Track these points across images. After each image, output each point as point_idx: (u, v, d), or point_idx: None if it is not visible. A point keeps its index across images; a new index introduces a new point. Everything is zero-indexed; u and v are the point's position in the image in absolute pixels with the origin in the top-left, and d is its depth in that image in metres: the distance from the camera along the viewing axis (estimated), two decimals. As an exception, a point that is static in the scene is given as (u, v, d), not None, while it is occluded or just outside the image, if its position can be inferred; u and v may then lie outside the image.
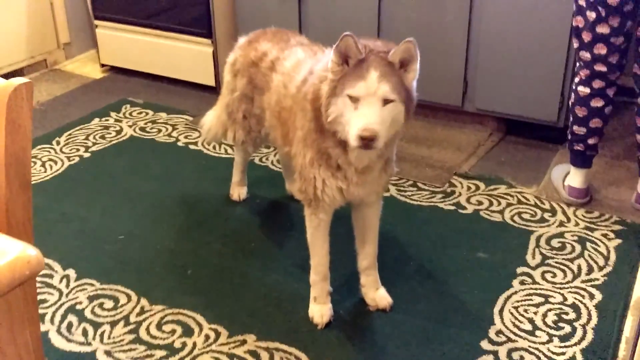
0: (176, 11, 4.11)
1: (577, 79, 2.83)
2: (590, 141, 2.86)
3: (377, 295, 2.33)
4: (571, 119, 2.90)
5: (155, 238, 2.72)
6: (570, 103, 2.90)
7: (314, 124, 1.98)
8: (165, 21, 4.12)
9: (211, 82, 4.09)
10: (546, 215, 2.86)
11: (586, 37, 2.70)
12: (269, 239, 2.74)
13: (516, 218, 2.84)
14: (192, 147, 3.48)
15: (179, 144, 3.51)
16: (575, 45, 2.79)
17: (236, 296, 2.39)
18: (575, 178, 2.94)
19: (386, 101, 1.82)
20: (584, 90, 2.79)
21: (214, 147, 3.45)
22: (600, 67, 2.72)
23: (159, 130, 3.64)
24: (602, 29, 2.64)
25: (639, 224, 2.79)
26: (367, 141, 1.78)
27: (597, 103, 2.78)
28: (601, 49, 2.68)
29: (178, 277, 2.49)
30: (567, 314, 2.31)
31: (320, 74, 1.97)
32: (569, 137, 2.92)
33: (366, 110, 1.80)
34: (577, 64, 2.84)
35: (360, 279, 2.35)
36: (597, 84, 2.76)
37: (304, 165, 2.07)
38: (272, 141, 2.59)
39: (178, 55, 4.13)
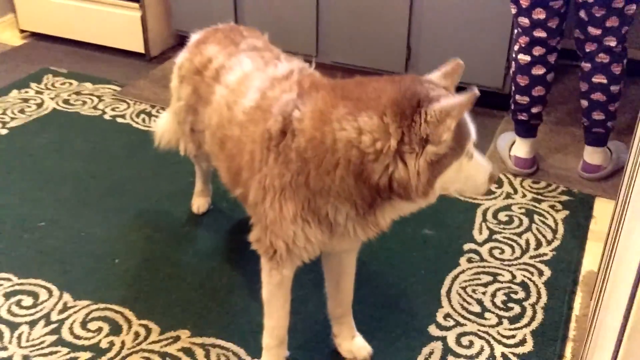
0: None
1: (516, 47, 2.72)
2: (534, 110, 2.77)
3: (353, 346, 2.00)
4: (513, 88, 2.79)
5: (80, 224, 2.52)
6: (511, 72, 2.80)
7: (304, 178, 1.54)
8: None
9: (140, 48, 3.84)
10: (492, 187, 2.76)
11: (524, 2, 2.58)
12: (204, 222, 2.57)
13: (462, 191, 2.74)
14: (119, 120, 3.26)
15: (106, 117, 3.28)
16: (513, 11, 2.67)
17: (168, 287, 2.22)
18: (521, 148, 2.85)
19: None
20: (524, 58, 2.68)
21: (144, 120, 3.24)
22: (540, 33, 2.61)
23: (84, 103, 3.39)
24: None
25: (586, 193, 2.73)
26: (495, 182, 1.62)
27: (538, 71, 2.68)
28: (540, 14, 2.57)
29: (105, 268, 2.31)
30: (516, 293, 2.23)
31: (335, 130, 1.47)
32: (512, 106, 2.82)
33: (480, 157, 1.57)
34: (516, 31, 2.72)
35: (332, 328, 2.02)
36: (538, 50, 2.65)
37: (276, 220, 1.63)
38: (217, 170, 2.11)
39: (104, 19, 3.86)
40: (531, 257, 2.39)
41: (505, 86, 3.23)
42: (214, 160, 2.07)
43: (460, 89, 3.19)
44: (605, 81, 2.62)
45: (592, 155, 2.79)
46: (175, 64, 2.22)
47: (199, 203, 2.61)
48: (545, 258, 2.38)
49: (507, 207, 2.65)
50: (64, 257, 2.34)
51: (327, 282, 1.99)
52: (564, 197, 2.70)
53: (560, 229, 2.53)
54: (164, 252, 2.39)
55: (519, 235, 2.50)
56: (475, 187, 1.58)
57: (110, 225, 2.52)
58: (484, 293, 2.22)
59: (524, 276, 2.30)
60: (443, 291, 2.23)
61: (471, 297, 2.21)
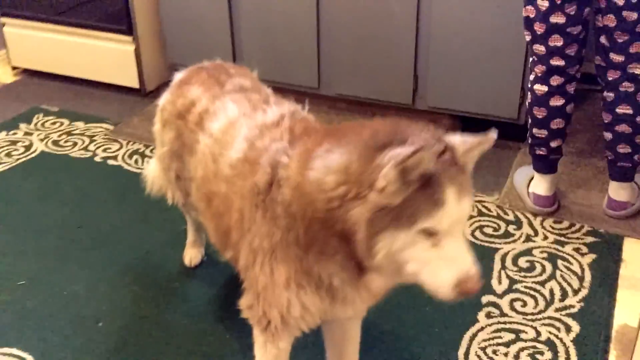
0: (93, 5, 3.66)
1: (532, 77, 2.51)
2: (553, 144, 2.55)
3: None
4: (530, 121, 2.58)
5: (63, 281, 2.31)
6: (527, 104, 2.58)
7: (294, 235, 1.37)
8: (80, 17, 3.67)
9: (134, 83, 3.67)
10: (511, 229, 2.55)
11: (539, 28, 2.37)
12: (197, 275, 2.36)
13: (478, 233, 2.52)
14: (111, 162, 3.07)
15: (97, 159, 3.10)
16: (528, 38, 2.46)
17: (156, 354, 2.01)
18: (540, 185, 2.63)
19: None
20: (541, 88, 2.47)
21: (136, 162, 3.05)
22: (558, 61, 2.40)
23: (74, 144, 3.21)
24: (557, 18, 2.32)
25: (613, 234, 2.50)
26: (469, 294, 1.24)
27: (556, 102, 2.47)
28: (557, 41, 2.36)
29: (87, 332, 2.10)
30: (542, 353, 2.00)
31: (329, 195, 1.26)
32: (529, 140, 2.61)
33: (457, 248, 1.24)
34: (531, 60, 2.52)
35: None
36: (555, 80, 2.44)
37: (269, 285, 1.46)
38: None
39: (97, 54, 3.69)
40: (557, 310, 2.16)
41: (520, 116, 3.01)
42: (201, 217, 1.88)
43: (473, 120, 2.93)
44: (630, 112, 2.40)
45: (617, 191, 2.57)
46: (158, 106, 2.04)
47: (192, 255, 2.40)
48: (572, 311, 2.15)
49: (528, 252, 2.42)
50: (44, 321, 2.14)
51: (328, 350, 1.80)
52: (590, 239, 2.48)
53: (587, 276, 2.30)
54: (153, 313, 2.18)
55: (542, 284, 2.27)
56: (433, 283, 1.24)
57: (94, 282, 2.32)
58: (506, 354, 1.99)
59: (550, 332, 2.07)
60: (460, 353, 2.00)
61: (492, 359, 1.98)
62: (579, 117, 3.25)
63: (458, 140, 1.29)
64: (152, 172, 2.26)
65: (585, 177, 2.84)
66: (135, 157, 3.09)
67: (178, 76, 2.01)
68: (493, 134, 1.28)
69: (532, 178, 2.69)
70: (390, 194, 1.19)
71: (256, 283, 1.50)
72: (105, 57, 3.67)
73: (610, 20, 2.29)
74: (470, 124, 3.19)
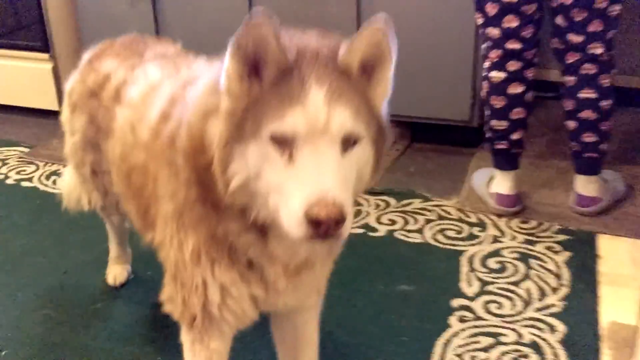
0: (2, 20, 3.32)
1: (487, 64, 2.32)
2: (514, 136, 2.35)
3: None
4: (487, 112, 2.37)
5: (-39, 308, 1.95)
6: (483, 95, 2.38)
7: (197, 190, 1.15)
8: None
9: (53, 105, 3.32)
10: (475, 231, 2.31)
11: (492, 9, 2.20)
12: (123, 295, 2.03)
13: (439, 237, 2.28)
14: (25, 184, 2.72)
15: (8, 181, 2.74)
16: (480, 21, 2.28)
17: (71, 384, 1.67)
18: (502, 183, 2.42)
19: (347, 142, 1.03)
20: (497, 75, 2.28)
21: (54, 182, 2.71)
22: (514, 44, 2.22)
23: (-18, 167, 2.86)
24: None
25: (586, 230, 2.29)
26: (326, 226, 0.97)
27: (515, 89, 2.28)
28: (511, 21, 2.19)
29: (-13, 364, 1.74)
30: (526, 356, 1.74)
31: (200, 103, 1.12)
32: (488, 135, 2.40)
33: (314, 164, 0.99)
34: (484, 46, 2.33)
35: None
36: (513, 65, 2.25)
37: (179, 262, 1.25)
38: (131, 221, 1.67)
39: (9, 75, 3.35)
40: (537, 310, 1.91)
41: (473, 118, 2.82)
42: (124, 204, 1.58)
43: (423, 126, 2.63)
44: (594, 95, 2.22)
45: (586, 185, 2.37)
46: (65, 92, 1.75)
47: (116, 272, 2.07)
48: (554, 310, 1.91)
49: (496, 253, 2.18)
50: None
51: (280, 356, 1.51)
52: (562, 237, 2.26)
53: (565, 274, 2.07)
54: (68, 338, 1.83)
55: (517, 284, 2.03)
56: (283, 214, 1.01)
57: (2, 308, 1.96)
58: (486, 360, 1.73)
59: (533, 334, 1.81)
60: (434, 361, 1.73)
61: (471, 366, 1.71)
62: (532, 124, 3.07)
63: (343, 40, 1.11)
64: (67, 181, 1.96)
65: (547, 178, 2.65)
66: (53, 177, 2.75)
67: (86, 55, 1.74)
68: (378, 22, 1.05)
69: (492, 178, 2.48)
70: (237, 95, 1.04)
71: (170, 264, 1.28)
72: (18, 77, 3.34)
73: (566, -3, 2.13)
74: (420, 130, 2.99)
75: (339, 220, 0.96)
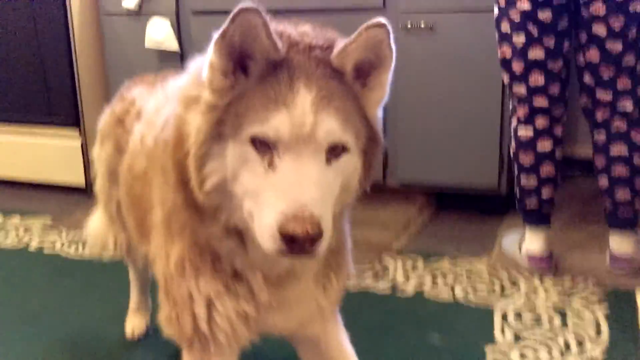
0: (33, 95, 3.34)
1: (514, 122, 2.31)
2: (545, 194, 2.30)
3: None
4: (516, 171, 2.34)
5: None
6: (511, 153, 2.36)
7: (182, 192, 1.08)
8: (18, 110, 3.39)
9: (80, 180, 3.35)
10: (507, 288, 2.22)
11: (517, 66, 2.21)
12: (141, 349, 1.95)
13: (470, 295, 2.18)
14: (47, 251, 2.70)
15: (31, 249, 2.72)
16: (506, 80, 2.30)
17: None
18: (534, 242, 2.34)
19: (334, 151, 0.98)
20: (525, 133, 2.26)
21: (76, 249, 2.68)
22: (541, 102, 2.22)
23: (7, 234, 2.85)
24: (536, 53, 2.16)
25: (623, 290, 2.18)
26: (299, 243, 0.91)
27: (544, 145, 2.25)
28: (538, 79, 2.19)
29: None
30: (569, 403, 1.62)
31: (182, 93, 1.08)
32: (518, 194, 2.36)
33: (295, 173, 0.94)
34: (512, 103, 2.33)
35: None
36: (541, 121, 2.24)
37: (167, 275, 1.18)
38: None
39: (38, 150, 3.40)
40: (576, 358, 1.80)
41: (500, 186, 2.79)
42: (127, 219, 1.53)
43: (450, 197, 2.55)
44: (626, 152, 2.19)
45: (620, 243, 2.29)
46: (97, 129, 1.74)
47: (134, 323, 2.00)
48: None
49: (531, 307, 2.08)
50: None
51: None
52: (598, 292, 2.15)
53: (604, 327, 1.96)
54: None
55: (554, 333, 1.92)
56: (257, 226, 0.96)
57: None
58: (526, 405, 1.61)
59: (574, 382, 1.70)
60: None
61: (509, 411, 1.59)
62: (560, 197, 3.03)
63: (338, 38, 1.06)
64: (94, 224, 1.91)
65: (579, 241, 2.57)
66: (75, 245, 2.73)
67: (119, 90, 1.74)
68: (379, 22, 0.99)
69: (522, 239, 2.41)
70: (219, 89, 0.99)
71: (161, 278, 1.21)
72: (47, 153, 3.38)
73: (593, 55, 2.14)
74: (447, 200, 2.95)
75: (315, 237, 0.91)
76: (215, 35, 0.98)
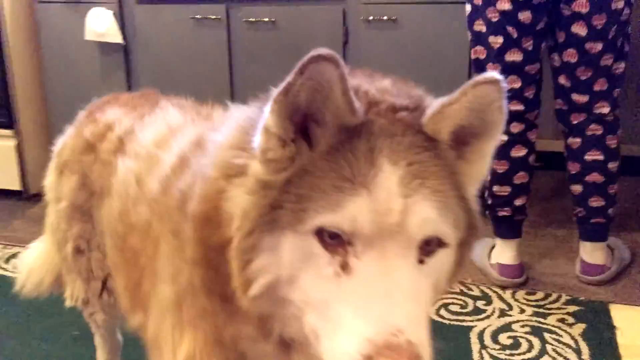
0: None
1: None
2: (518, 202, 2.22)
3: None
4: (489, 178, 2.25)
5: None
6: (483, 159, 2.26)
7: (204, 274, 0.86)
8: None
9: (15, 185, 3.10)
10: (480, 304, 2.13)
11: (493, 68, 2.10)
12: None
13: (443, 312, 2.09)
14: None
15: (-37, 265, 2.50)
16: None
17: None
18: (505, 253, 2.26)
19: (427, 246, 0.76)
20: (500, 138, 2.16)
21: (15, 267, 2.46)
22: (516, 106, 2.12)
23: None
24: (514, 56, 2.06)
25: (596, 301, 2.13)
26: None
27: (518, 152, 2.16)
28: (514, 82, 2.09)
29: None
30: None
31: (222, 157, 0.82)
32: (489, 201, 2.27)
33: (380, 280, 0.73)
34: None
35: None
36: (516, 127, 2.15)
37: None
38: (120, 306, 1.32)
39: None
40: (561, 388, 1.73)
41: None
42: (114, 278, 1.27)
43: None
44: (601, 157, 2.12)
45: (592, 253, 2.23)
46: (53, 155, 1.46)
47: None
48: (580, 387, 1.73)
49: (507, 327, 2.01)
50: None
51: None
52: (573, 308, 2.10)
53: (584, 348, 1.90)
54: None
55: (534, 360, 1.85)
56: (330, 342, 0.73)
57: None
58: None
59: (562, 416, 1.63)
60: None
61: None
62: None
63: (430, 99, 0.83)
64: (29, 261, 1.63)
65: (547, 247, 2.50)
66: (13, 261, 2.51)
67: (82, 112, 1.46)
68: (489, 78, 0.80)
69: (492, 248, 2.33)
70: (275, 158, 0.75)
71: None
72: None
73: (571, 56, 2.05)
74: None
75: None
76: (275, 91, 0.74)
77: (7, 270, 2.45)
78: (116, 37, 2.89)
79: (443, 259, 0.78)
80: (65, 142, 1.42)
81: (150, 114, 1.27)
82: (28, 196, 3.12)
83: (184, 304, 0.91)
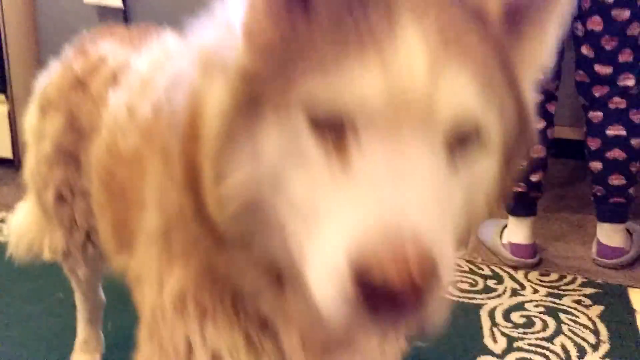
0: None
1: None
2: (533, 177, 2.10)
3: None
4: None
5: None
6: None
7: (193, 196, 0.67)
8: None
9: (7, 153, 2.98)
10: (491, 283, 2.01)
11: None
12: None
13: (450, 289, 1.97)
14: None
15: (-55, 230, 2.38)
16: None
17: None
18: (518, 231, 2.14)
19: (461, 139, 0.57)
20: None
21: (1, 231, 2.35)
22: None
23: None
24: None
25: (614, 284, 2.01)
26: (391, 293, 0.49)
27: (537, 124, 2.04)
28: None
29: None
30: (578, 422, 1.43)
31: (205, 54, 0.64)
32: (504, 177, 2.15)
33: (385, 169, 0.53)
34: None
35: None
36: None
37: (157, 310, 0.81)
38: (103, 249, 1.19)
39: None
40: (579, 369, 1.61)
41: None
42: (98, 220, 1.13)
43: None
44: (624, 133, 2.00)
45: (610, 235, 2.11)
46: (34, 95, 1.31)
47: None
48: (600, 368, 1.61)
49: (519, 306, 1.89)
50: None
51: None
52: (589, 290, 1.97)
53: (602, 329, 1.77)
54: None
55: (550, 340, 1.73)
56: (315, 251, 0.55)
57: None
58: None
59: (580, 396, 1.51)
60: None
61: None
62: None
63: None
64: (19, 220, 1.49)
65: (561, 231, 2.38)
66: (1, 225, 2.39)
67: (74, 44, 1.30)
68: None
69: (504, 228, 2.21)
70: (262, 37, 0.57)
71: (147, 309, 0.83)
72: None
73: (595, 23, 1.93)
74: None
75: (424, 282, 0.49)
76: None
77: (-7, 236, 2.33)
78: (115, 1, 2.78)
79: (482, 163, 0.59)
80: (50, 78, 1.27)
81: (147, 45, 1.13)
82: (19, 164, 2.99)
83: (172, 233, 0.77)
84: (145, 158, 0.88)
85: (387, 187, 0.51)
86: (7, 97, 2.92)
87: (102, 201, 1.09)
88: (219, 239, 0.68)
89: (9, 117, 2.94)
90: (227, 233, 0.66)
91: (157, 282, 0.80)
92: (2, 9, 2.82)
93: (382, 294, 0.49)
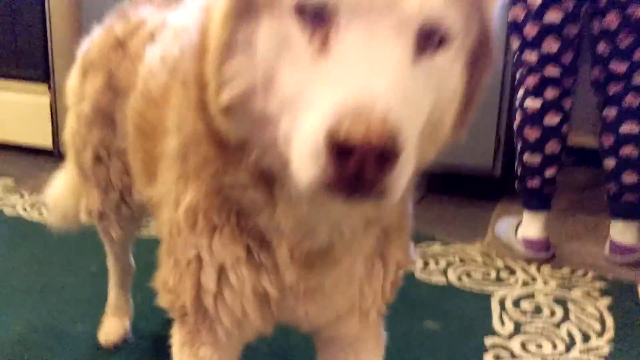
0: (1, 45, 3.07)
1: (521, 92, 2.16)
2: (548, 173, 2.17)
3: None
4: (519, 146, 2.20)
5: None
6: (515, 128, 2.21)
7: (206, 115, 0.77)
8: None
9: (48, 143, 3.10)
10: (503, 275, 2.08)
11: (531, 30, 2.06)
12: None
13: (465, 279, 2.05)
14: (8, 212, 2.49)
15: (-10, 209, 2.52)
16: (515, 46, 2.14)
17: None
18: (532, 226, 2.21)
19: (428, 38, 0.66)
20: (533, 104, 2.12)
21: (39, 212, 2.48)
22: (552, 71, 2.08)
23: (-38, 194, 2.64)
24: (553, 16, 2.02)
25: (626, 281, 2.06)
26: (361, 158, 0.58)
27: (552, 119, 2.11)
28: (552, 45, 2.05)
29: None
30: (577, 398, 1.49)
31: None
32: (519, 172, 2.22)
33: (360, 55, 0.62)
34: (520, 72, 2.17)
35: None
36: (550, 93, 2.10)
37: (174, 226, 0.91)
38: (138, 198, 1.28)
39: (1, 106, 3.14)
40: (582, 352, 1.67)
41: (495, 168, 2.64)
42: (131, 162, 1.21)
43: (440, 178, 2.21)
44: (637, 130, 2.06)
45: (623, 232, 2.17)
46: (78, 55, 1.39)
47: (110, 328, 1.65)
48: (602, 352, 1.67)
49: (529, 296, 1.95)
50: None
51: None
52: (599, 284, 2.03)
53: (608, 319, 1.83)
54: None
55: (557, 325, 1.79)
56: (298, 130, 0.63)
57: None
58: (531, 399, 1.48)
59: (582, 375, 1.57)
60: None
61: (514, 405, 1.45)
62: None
63: None
64: (56, 187, 1.60)
65: (575, 231, 2.44)
66: (38, 206, 2.53)
67: (115, 12, 1.37)
68: None
69: (518, 224, 2.28)
70: None
71: (166, 228, 0.94)
72: (10, 110, 3.12)
73: (611, 21, 2.01)
74: (436, 181, 2.80)
75: (388, 151, 0.57)
76: None
77: (32, 216, 2.46)
78: None
79: (446, 64, 0.67)
80: (92, 41, 1.36)
81: (184, 5, 1.21)
82: (59, 156, 3.13)
83: (189, 152, 0.87)
84: (172, 91, 0.98)
85: (360, 70, 0.60)
86: (49, 88, 3.05)
87: (135, 144, 1.16)
88: (228, 157, 0.79)
89: (51, 108, 3.07)
90: (230, 142, 0.76)
91: (174, 201, 0.90)
92: (48, 3, 2.95)
93: (350, 152, 0.57)
